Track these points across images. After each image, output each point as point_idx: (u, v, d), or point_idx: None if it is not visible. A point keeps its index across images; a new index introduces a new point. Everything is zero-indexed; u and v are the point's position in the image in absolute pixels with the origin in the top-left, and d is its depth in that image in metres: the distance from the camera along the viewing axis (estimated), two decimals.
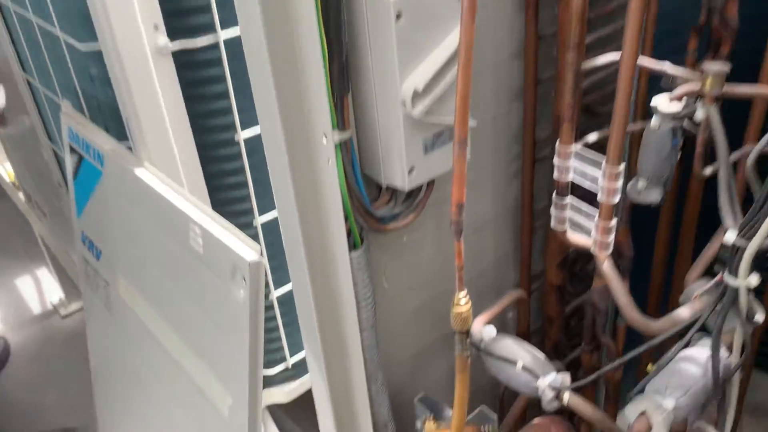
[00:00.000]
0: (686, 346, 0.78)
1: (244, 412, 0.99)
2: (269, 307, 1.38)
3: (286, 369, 1.52)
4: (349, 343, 0.84)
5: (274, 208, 1.26)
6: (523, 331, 1.08)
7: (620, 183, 0.78)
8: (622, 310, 0.80)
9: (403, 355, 1.04)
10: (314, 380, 0.91)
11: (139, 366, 1.34)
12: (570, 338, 1.19)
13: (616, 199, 0.79)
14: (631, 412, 0.79)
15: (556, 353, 1.15)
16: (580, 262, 1.15)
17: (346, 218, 0.75)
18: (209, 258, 0.97)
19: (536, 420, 0.95)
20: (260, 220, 1.24)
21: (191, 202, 1.01)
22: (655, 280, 1.13)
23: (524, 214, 1.05)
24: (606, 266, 0.83)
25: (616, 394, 1.13)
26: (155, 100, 1.04)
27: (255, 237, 1.25)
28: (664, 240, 1.06)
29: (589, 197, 0.93)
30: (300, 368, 1.54)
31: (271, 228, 1.26)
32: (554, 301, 1.09)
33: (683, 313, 0.82)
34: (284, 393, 1.58)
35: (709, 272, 0.96)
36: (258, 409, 1.00)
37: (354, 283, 0.78)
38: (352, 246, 0.78)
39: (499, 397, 1.09)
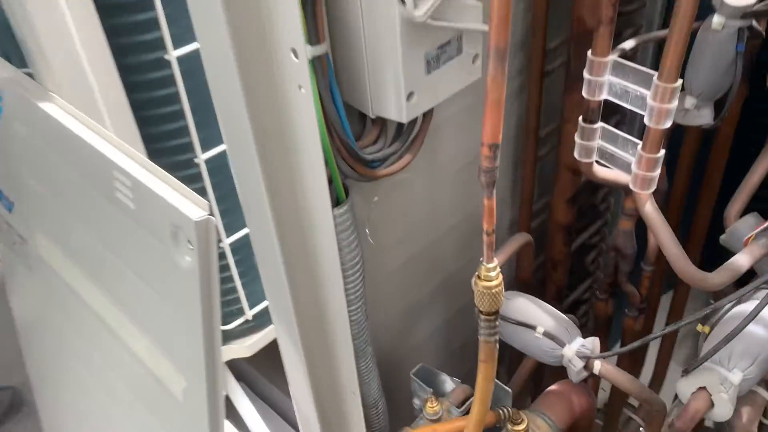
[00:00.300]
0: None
1: (201, 396, 0.82)
2: (220, 255, 1.19)
3: (246, 321, 1.34)
4: (334, 323, 0.66)
5: (220, 142, 1.05)
6: (525, 279, 0.92)
7: (675, 103, 0.61)
8: (673, 261, 0.65)
9: (389, 318, 0.88)
10: (293, 377, 0.74)
11: (70, 334, 1.14)
12: (572, 281, 1.05)
13: (669, 123, 0.62)
14: (686, 387, 0.65)
15: (558, 299, 1.01)
16: (585, 193, 0.99)
17: (325, 164, 0.55)
18: (143, 215, 0.76)
19: (553, 387, 0.80)
20: (204, 156, 1.02)
21: (114, 143, 0.79)
22: (671, 217, 0.98)
23: (528, 142, 0.87)
24: (649, 208, 0.66)
25: (642, 356, 1.00)
26: (57, 11, 0.80)
27: (197, 177, 1.04)
28: (687, 165, 0.90)
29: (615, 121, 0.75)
30: (261, 319, 1.36)
31: (218, 164, 1.05)
32: (561, 242, 0.93)
33: (741, 261, 0.67)
34: (246, 347, 1.41)
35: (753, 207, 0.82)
36: (218, 392, 0.82)
37: (339, 248, 0.59)
38: (335, 201, 0.59)
39: (507, 361, 0.95)
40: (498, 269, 0.52)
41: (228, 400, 1.46)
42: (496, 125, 0.44)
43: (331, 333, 0.69)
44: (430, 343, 1.00)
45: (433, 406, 0.74)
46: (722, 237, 0.78)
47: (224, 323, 1.35)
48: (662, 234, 0.66)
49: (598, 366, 0.71)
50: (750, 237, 0.71)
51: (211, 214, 0.68)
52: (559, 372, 0.85)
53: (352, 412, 0.74)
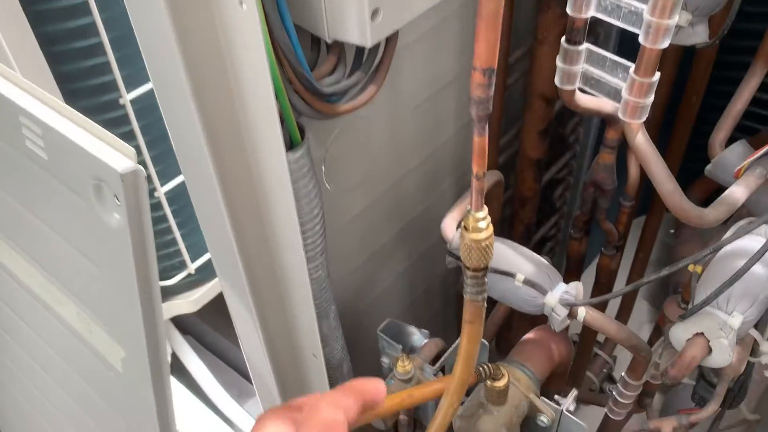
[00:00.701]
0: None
1: (142, 365, 0.73)
2: (155, 206, 1.08)
3: (189, 275, 1.25)
4: (293, 283, 0.58)
5: (147, 80, 0.92)
6: (494, 220, 0.85)
7: (676, 18, 0.53)
8: (667, 197, 0.58)
9: (350, 270, 0.80)
10: (246, 342, 0.66)
11: None
12: (539, 217, 0.99)
13: (667, 42, 0.54)
14: (682, 332, 0.60)
15: (527, 237, 0.95)
16: (554, 124, 0.92)
17: (276, 98, 0.45)
18: (59, 168, 0.65)
19: (530, 335, 0.75)
20: (129, 96, 0.90)
21: (20, 84, 0.67)
22: None
23: (498, 65, 0.78)
24: (641, 139, 0.59)
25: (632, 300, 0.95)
26: None
27: (123, 120, 0.92)
28: (663, 92, 0.84)
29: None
30: (205, 272, 1.27)
31: (146, 104, 0.93)
32: (531, 178, 0.86)
33: (737, 193, 0.62)
34: (190, 302, 1.31)
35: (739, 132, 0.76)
36: (161, 359, 0.73)
37: (295, 198, 0.50)
38: (288, 144, 0.50)
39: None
40: (488, 219, 0.44)
41: (174, 357, 1.38)
42: (492, 45, 0.36)
43: (289, 294, 0.61)
44: (393, 291, 0.93)
45: (405, 365, 0.67)
46: (708, 168, 0.72)
47: (165, 278, 1.25)
48: (655, 168, 0.59)
49: (582, 314, 0.65)
50: (742, 167, 0.66)
51: (142, 163, 0.58)
52: (530, 317, 0.80)
53: (314, 376, 0.67)
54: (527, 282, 0.65)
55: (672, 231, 1.43)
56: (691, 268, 0.63)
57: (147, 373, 0.73)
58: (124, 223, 0.61)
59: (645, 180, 0.76)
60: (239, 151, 0.50)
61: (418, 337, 0.75)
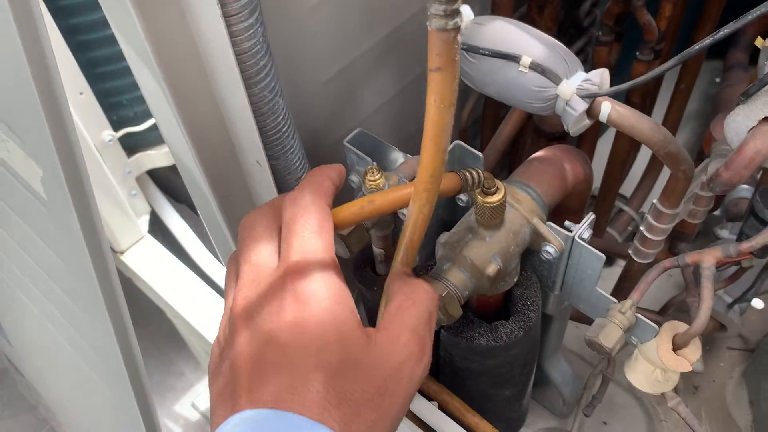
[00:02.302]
0: None
1: (61, 187, 0.60)
2: None
3: None
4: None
5: None
6: (505, 11, 0.68)
7: None
8: None
9: (319, 80, 0.64)
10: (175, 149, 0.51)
11: None
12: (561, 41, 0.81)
13: None
14: (742, 119, 0.44)
15: None
16: None
17: None
18: None
19: (539, 153, 0.60)
20: None
21: None
22: None
23: None
24: None
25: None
26: None
27: None
28: None
29: None
30: None
31: None
32: None
33: None
34: (165, 154, 1.19)
35: None
36: (83, 180, 0.60)
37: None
38: None
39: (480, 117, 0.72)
40: None
41: (154, 215, 1.26)
42: None
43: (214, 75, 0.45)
44: (377, 122, 0.77)
45: (375, 179, 0.53)
46: None
47: (134, 122, 1.12)
48: None
49: (607, 109, 0.49)
50: None
51: None
52: (545, 142, 0.64)
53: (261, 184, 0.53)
54: (535, 67, 0.49)
55: (717, 80, 1.25)
56: (759, 42, 0.46)
57: (66, 194, 0.60)
58: None
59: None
60: None
61: (396, 155, 0.60)
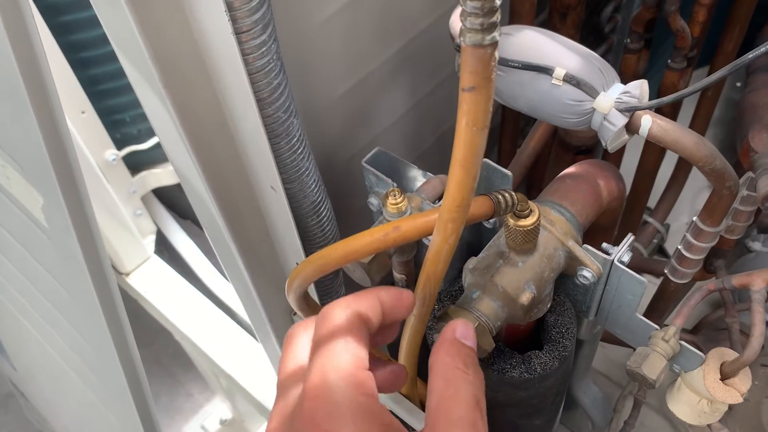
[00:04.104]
0: None
1: (62, 214, 0.56)
2: None
3: None
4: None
5: None
6: (526, 19, 0.65)
7: None
8: None
9: (332, 97, 0.61)
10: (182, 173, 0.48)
11: None
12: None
13: None
14: None
15: None
16: None
17: None
18: None
19: (571, 170, 0.56)
20: None
21: None
22: None
23: None
24: None
25: None
26: None
27: None
28: None
29: None
30: None
31: None
32: None
33: None
34: (170, 173, 1.15)
35: None
36: (84, 206, 0.57)
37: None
38: None
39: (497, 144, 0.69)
40: None
41: (160, 235, 1.23)
42: None
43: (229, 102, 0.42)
44: (393, 138, 0.74)
45: (397, 202, 0.49)
46: None
47: (138, 140, 1.09)
48: None
49: (648, 123, 0.46)
50: None
51: None
52: (571, 156, 0.60)
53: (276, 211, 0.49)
54: (570, 79, 0.45)
55: (738, 84, 1.21)
56: None
57: (68, 222, 0.56)
58: None
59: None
60: None
61: (416, 174, 0.57)
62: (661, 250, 0.98)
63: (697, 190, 1.11)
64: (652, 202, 0.98)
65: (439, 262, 0.39)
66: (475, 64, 0.30)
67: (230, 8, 0.37)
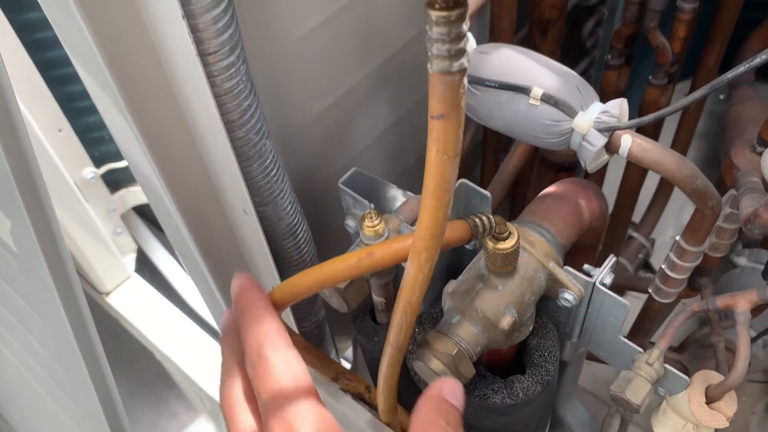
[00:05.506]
0: None
1: (30, 238, 0.55)
2: None
3: None
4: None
5: None
6: (506, 35, 0.64)
7: None
8: None
9: (309, 115, 0.60)
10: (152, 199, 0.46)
11: None
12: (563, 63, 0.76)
13: None
14: None
15: None
16: None
17: None
18: None
19: (551, 189, 0.55)
20: None
21: None
22: None
23: None
24: None
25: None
26: None
27: None
28: None
29: None
30: None
31: None
32: None
33: None
34: None
35: None
36: (53, 232, 0.55)
37: None
38: None
39: (480, 165, 0.68)
40: None
41: (143, 255, 1.21)
42: None
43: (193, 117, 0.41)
44: (373, 156, 0.73)
45: (374, 224, 0.48)
46: None
47: (117, 158, 1.07)
48: None
49: (627, 143, 0.45)
50: None
51: None
52: (553, 174, 0.60)
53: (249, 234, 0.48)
54: (547, 99, 0.45)
55: (722, 97, 1.21)
56: None
57: (36, 246, 0.55)
58: None
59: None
60: None
61: (395, 194, 0.56)
62: (647, 265, 0.97)
63: (682, 204, 1.10)
64: (637, 216, 0.97)
65: (415, 291, 0.38)
66: (444, 92, 0.28)
67: (194, 30, 0.36)
